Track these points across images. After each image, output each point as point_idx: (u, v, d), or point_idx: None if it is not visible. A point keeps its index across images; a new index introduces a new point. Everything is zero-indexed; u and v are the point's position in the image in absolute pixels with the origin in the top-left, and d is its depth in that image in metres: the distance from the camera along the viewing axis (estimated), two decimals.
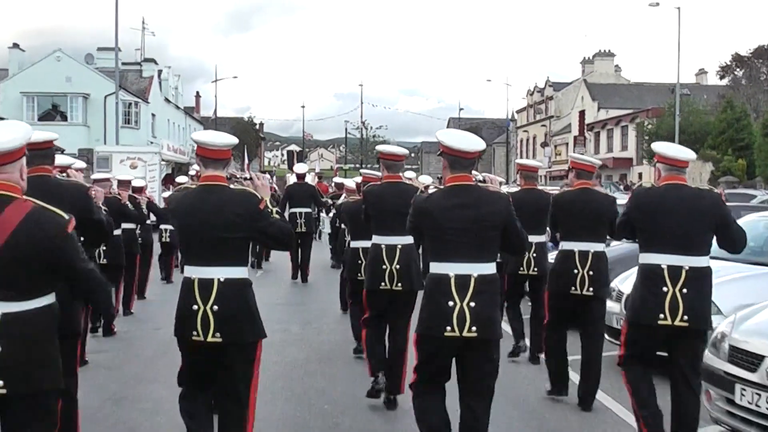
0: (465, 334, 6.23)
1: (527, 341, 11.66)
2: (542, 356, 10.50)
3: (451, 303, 6.27)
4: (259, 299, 6.59)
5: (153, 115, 67.40)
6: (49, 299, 4.89)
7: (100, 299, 5.40)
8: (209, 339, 6.17)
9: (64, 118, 60.65)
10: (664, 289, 7.15)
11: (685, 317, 7.10)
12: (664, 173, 7.47)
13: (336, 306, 16.24)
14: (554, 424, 8.78)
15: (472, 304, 6.25)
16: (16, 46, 64.98)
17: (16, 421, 4.83)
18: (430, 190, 6.90)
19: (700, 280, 7.19)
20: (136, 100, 62.70)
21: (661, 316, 7.14)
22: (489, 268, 6.38)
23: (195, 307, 6.20)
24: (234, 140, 6.64)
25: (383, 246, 9.21)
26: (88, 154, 42.73)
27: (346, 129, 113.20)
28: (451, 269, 6.32)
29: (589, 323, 9.40)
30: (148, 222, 16.57)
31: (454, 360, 6.56)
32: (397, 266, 9.16)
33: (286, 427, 8.69)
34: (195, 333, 6.20)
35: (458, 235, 6.32)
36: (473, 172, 6.71)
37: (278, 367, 10.91)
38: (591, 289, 9.19)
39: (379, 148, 9.95)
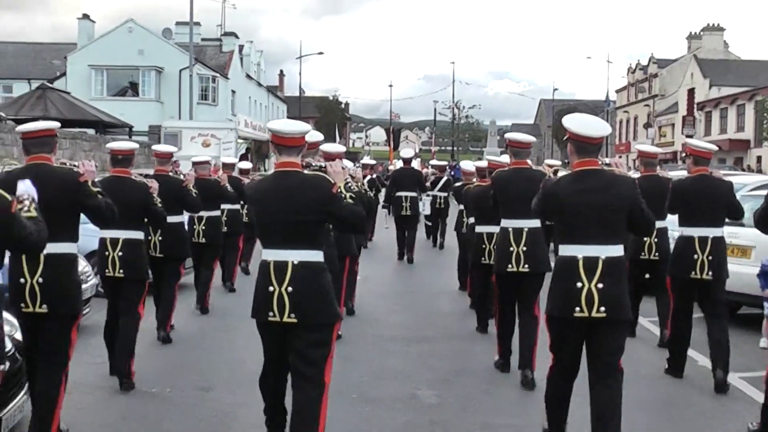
0: (594, 314, 6.69)
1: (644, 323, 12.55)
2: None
3: (579, 284, 6.72)
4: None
5: (233, 91, 65.20)
6: None
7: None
8: (285, 319, 6.52)
9: (136, 92, 58.28)
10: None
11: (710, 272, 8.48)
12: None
13: (443, 283, 17.78)
14: (685, 408, 9.25)
15: (600, 285, 6.69)
16: (86, 17, 62.83)
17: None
18: (561, 173, 7.64)
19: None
20: (213, 74, 60.43)
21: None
22: (616, 250, 6.83)
23: (271, 288, 6.55)
24: (307, 128, 6.98)
25: (510, 229, 9.83)
26: (158, 130, 37.97)
27: (435, 110, 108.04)
28: (579, 251, 6.78)
29: (711, 306, 9.90)
30: None
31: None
32: (524, 248, 9.72)
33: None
34: (271, 314, 6.56)
35: (586, 218, 6.78)
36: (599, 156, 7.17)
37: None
38: (710, 273, 9.71)
39: (508, 135, 10.54)
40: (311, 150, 8.88)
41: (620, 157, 77.11)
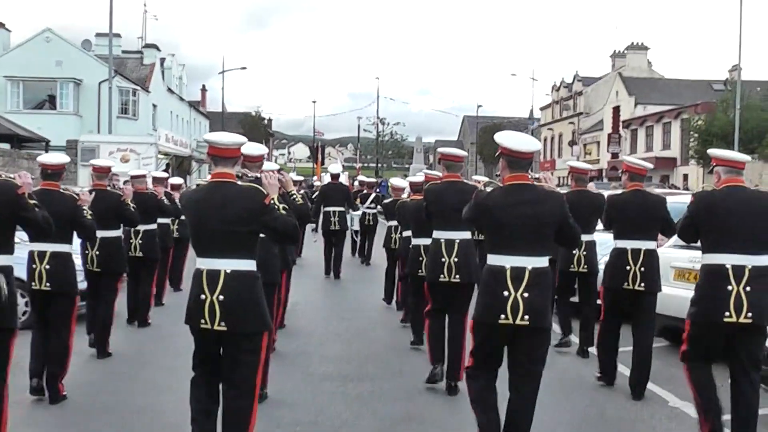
0: (518, 322, 6.98)
1: (572, 337, 12.66)
2: (591, 349, 11.79)
3: (506, 293, 7.00)
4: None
5: (154, 105, 64.23)
6: None
7: None
8: (215, 327, 6.69)
9: (54, 106, 56.07)
10: (729, 288, 7.62)
11: (749, 314, 7.58)
12: (723, 176, 8.01)
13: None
14: (610, 413, 9.64)
15: (526, 294, 6.97)
16: (1, 25, 60.52)
17: None
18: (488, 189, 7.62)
19: (764, 278, 7.67)
20: (134, 87, 59.11)
21: (727, 313, 7.61)
22: (542, 262, 7.13)
23: (203, 296, 6.72)
24: (243, 140, 7.22)
25: (443, 240, 10.15)
26: (76, 145, 36.75)
27: (359, 126, 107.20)
28: (507, 261, 7.06)
29: (640, 316, 10.32)
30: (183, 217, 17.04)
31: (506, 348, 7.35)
32: (456, 259, 10.07)
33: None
34: (203, 321, 6.72)
35: (515, 230, 7.06)
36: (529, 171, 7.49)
37: (331, 359, 11.84)
38: (642, 284, 10.15)
39: (441, 150, 10.90)
40: (257, 162, 9.05)
41: (550, 172, 76.77)
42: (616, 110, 77.85)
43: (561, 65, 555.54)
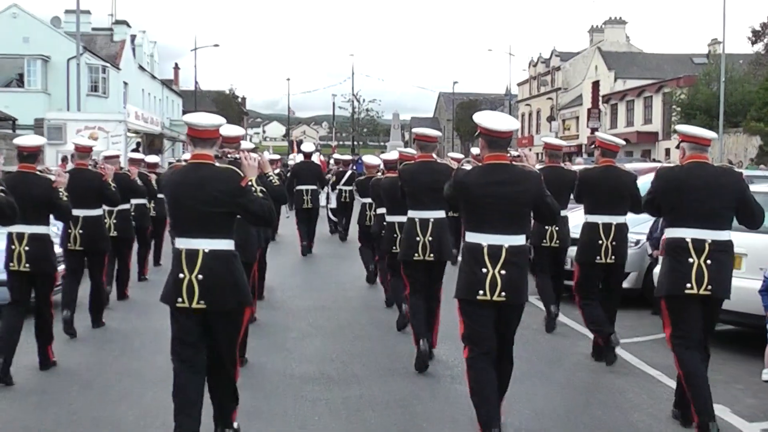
0: (495, 298, 7.27)
1: (553, 308, 12.69)
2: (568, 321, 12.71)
3: (484, 270, 7.27)
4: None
5: (125, 83, 63.68)
6: None
7: None
8: (193, 305, 6.89)
9: (22, 83, 54.99)
10: (690, 260, 7.89)
11: (709, 287, 7.85)
12: (688, 152, 8.24)
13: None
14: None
15: (503, 272, 7.26)
16: None
17: None
18: (465, 165, 7.83)
19: (723, 252, 7.96)
20: (104, 64, 58.44)
21: (688, 285, 7.87)
22: (519, 240, 7.40)
23: (181, 275, 6.91)
24: (221, 121, 7.36)
25: (417, 219, 10.42)
26: (42, 124, 35.62)
27: (334, 103, 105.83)
28: (484, 239, 7.33)
29: (610, 285, 10.90)
30: (160, 196, 17.60)
31: None
32: (430, 238, 10.31)
33: (337, 422, 8.52)
34: (180, 299, 6.91)
35: (492, 209, 7.32)
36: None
37: (311, 357, 11.04)
38: (613, 257, 10.58)
39: (416, 130, 11.06)
40: (234, 144, 9.15)
41: (529, 149, 75.93)
42: (596, 85, 76.96)
43: (538, 40, 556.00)
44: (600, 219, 10.56)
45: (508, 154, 7.59)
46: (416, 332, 10.49)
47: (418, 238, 10.31)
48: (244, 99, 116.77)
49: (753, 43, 63.58)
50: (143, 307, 14.37)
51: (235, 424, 7.47)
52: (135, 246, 16.45)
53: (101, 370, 10.24)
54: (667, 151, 61.38)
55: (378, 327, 13.02)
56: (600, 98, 75.26)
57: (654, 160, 52.89)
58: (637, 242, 13.97)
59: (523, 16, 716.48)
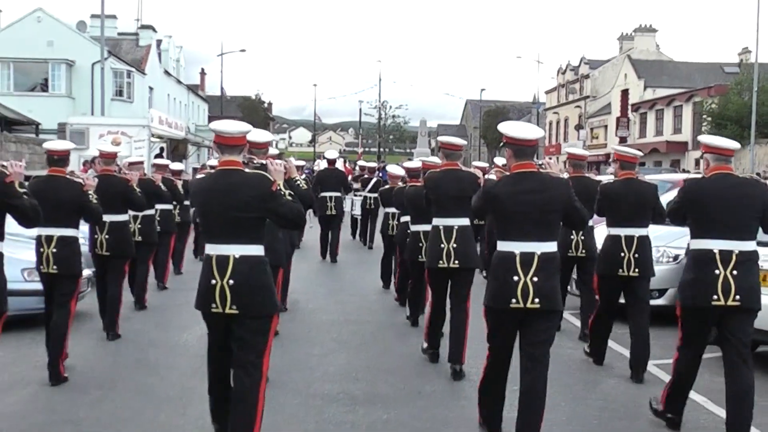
0: (528, 305, 7.32)
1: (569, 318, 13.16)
2: None
3: (516, 278, 7.34)
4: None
5: (150, 88, 63.65)
6: None
7: None
8: (227, 311, 6.98)
9: (46, 88, 54.50)
10: (717, 271, 7.88)
11: (737, 297, 7.84)
12: (712, 163, 8.29)
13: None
14: (609, 393, 9.92)
15: (535, 279, 7.32)
16: None
17: None
18: (490, 175, 8.83)
19: (749, 263, 7.98)
20: (129, 69, 57.81)
21: (715, 297, 7.86)
22: (551, 247, 7.51)
23: (213, 281, 7.00)
24: (248, 128, 7.44)
25: (441, 227, 10.46)
26: (65, 128, 35.84)
27: (360, 109, 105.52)
28: (516, 247, 7.40)
29: (636, 302, 10.69)
30: (186, 203, 18.31)
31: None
32: (454, 245, 10.36)
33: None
34: (214, 305, 7.02)
35: (523, 217, 7.41)
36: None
37: (335, 375, 10.48)
38: (637, 270, 10.52)
39: (441, 138, 11.22)
40: (262, 149, 9.41)
41: (551, 158, 75.30)
42: (625, 93, 76.48)
43: (566, 48, 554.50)
44: (622, 231, 10.58)
45: (535, 163, 7.74)
46: (431, 338, 10.93)
47: (442, 245, 10.40)
48: (270, 104, 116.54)
49: None
50: (161, 317, 14.17)
51: None
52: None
53: (113, 385, 9.90)
54: (697, 162, 60.33)
55: (405, 343, 12.43)
56: (629, 107, 74.76)
57: (683, 170, 52.17)
58: (676, 257, 13.65)
59: (551, 23, 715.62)
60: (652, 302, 11.39)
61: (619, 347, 11.71)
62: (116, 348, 11.78)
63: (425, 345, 11.22)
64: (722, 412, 8.37)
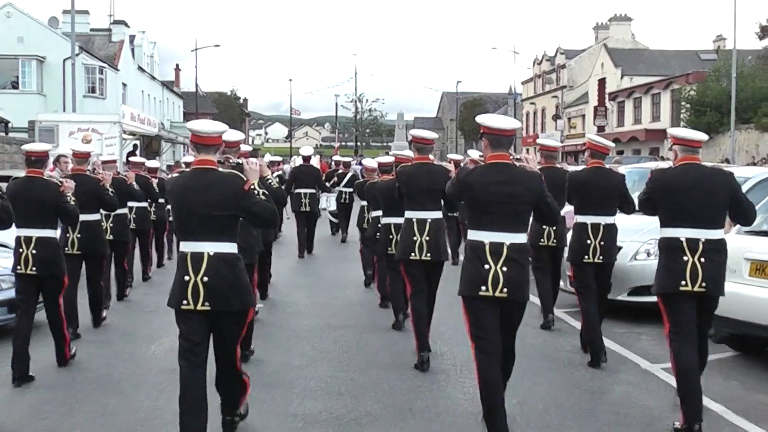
0: (497, 294, 7.47)
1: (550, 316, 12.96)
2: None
3: (486, 266, 7.48)
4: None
5: (124, 84, 63.85)
6: None
7: None
8: (198, 307, 7.11)
9: (16, 86, 53.96)
10: (685, 258, 8.13)
11: (704, 284, 8.10)
12: (680, 154, 8.54)
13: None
14: (618, 402, 9.33)
15: (505, 268, 7.46)
16: None
17: None
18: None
19: (716, 251, 8.21)
20: (101, 65, 57.82)
21: (683, 282, 8.11)
22: (520, 238, 7.65)
23: (187, 278, 7.14)
24: (224, 128, 7.60)
25: (414, 220, 10.65)
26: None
27: (336, 103, 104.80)
28: (486, 237, 7.55)
29: (600, 286, 11.00)
30: (161, 201, 18.47)
31: None
32: (427, 238, 10.54)
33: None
34: (185, 302, 7.12)
35: (495, 207, 7.54)
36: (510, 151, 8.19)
37: (317, 390, 9.67)
38: (601, 257, 10.81)
39: (412, 132, 11.37)
40: (233, 148, 9.52)
41: (527, 150, 74.94)
42: (602, 82, 76.27)
43: (542, 38, 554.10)
44: (589, 219, 10.85)
45: (511, 156, 7.90)
46: (419, 335, 10.73)
47: (415, 238, 10.59)
48: (245, 100, 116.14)
49: (761, 38, 62.69)
50: (129, 325, 13.55)
51: (242, 409, 7.92)
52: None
53: (69, 409, 8.91)
54: (665, 155, 60.27)
55: (391, 351, 11.60)
56: (606, 96, 74.53)
57: (662, 158, 51.63)
58: None
59: (527, 14, 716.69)
60: (648, 299, 11.11)
61: (622, 350, 11.47)
62: (78, 362, 10.84)
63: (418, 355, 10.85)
64: (746, 424, 8.41)
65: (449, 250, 11.73)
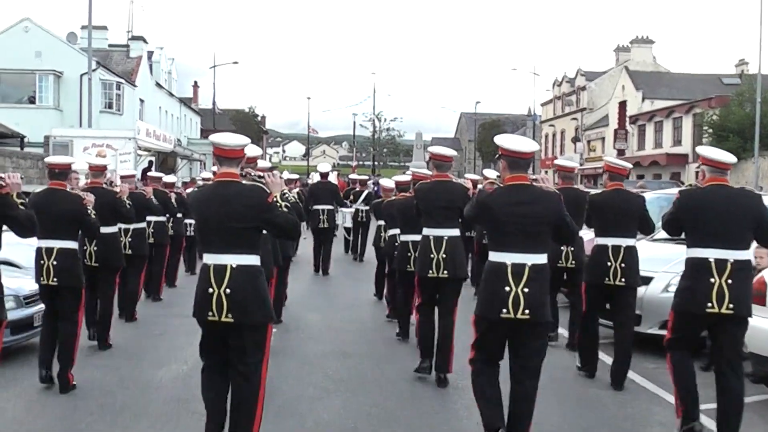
0: (519, 316, 7.40)
1: (560, 330, 13.38)
2: None
3: (507, 288, 7.42)
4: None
5: (141, 100, 63.05)
6: None
7: None
8: (223, 319, 7.19)
9: (33, 100, 53.18)
10: (711, 280, 8.10)
11: (731, 305, 8.05)
12: (708, 174, 8.58)
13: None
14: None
15: (526, 289, 7.40)
16: None
17: None
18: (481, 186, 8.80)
19: (743, 271, 8.19)
20: (118, 81, 56.77)
21: (709, 304, 8.07)
22: (541, 258, 7.59)
23: (210, 290, 7.21)
24: (246, 141, 7.69)
25: (432, 237, 10.65)
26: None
27: (354, 122, 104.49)
28: (507, 258, 7.49)
29: (621, 309, 10.89)
30: (179, 216, 18.71)
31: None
32: (444, 255, 10.53)
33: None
34: (211, 313, 7.22)
35: (515, 228, 7.50)
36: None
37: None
38: (623, 279, 10.72)
39: (431, 149, 11.23)
40: (251, 163, 9.57)
41: (546, 172, 74.23)
42: (623, 105, 75.67)
43: (562, 60, 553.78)
44: (609, 241, 10.82)
45: (529, 177, 7.89)
46: (422, 350, 10.97)
47: (432, 255, 10.61)
48: (263, 118, 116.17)
49: None
50: (136, 348, 12.92)
51: None
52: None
53: None
54: (697, 175, 59.18)
55: (410, 382, 10.97)
56: (627, 119, 74.10)
57: (682, 183, 51.01)
58: None
59: (548, 35, 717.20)
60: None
61: (655, 387, 10.89)
62: (79, 389, 10.26)
63: (419, 361, 11.18)
64: None
65: (468, 269, 11.66)
